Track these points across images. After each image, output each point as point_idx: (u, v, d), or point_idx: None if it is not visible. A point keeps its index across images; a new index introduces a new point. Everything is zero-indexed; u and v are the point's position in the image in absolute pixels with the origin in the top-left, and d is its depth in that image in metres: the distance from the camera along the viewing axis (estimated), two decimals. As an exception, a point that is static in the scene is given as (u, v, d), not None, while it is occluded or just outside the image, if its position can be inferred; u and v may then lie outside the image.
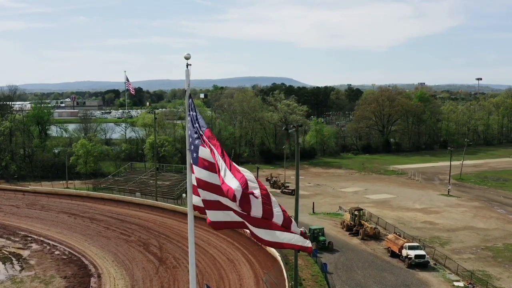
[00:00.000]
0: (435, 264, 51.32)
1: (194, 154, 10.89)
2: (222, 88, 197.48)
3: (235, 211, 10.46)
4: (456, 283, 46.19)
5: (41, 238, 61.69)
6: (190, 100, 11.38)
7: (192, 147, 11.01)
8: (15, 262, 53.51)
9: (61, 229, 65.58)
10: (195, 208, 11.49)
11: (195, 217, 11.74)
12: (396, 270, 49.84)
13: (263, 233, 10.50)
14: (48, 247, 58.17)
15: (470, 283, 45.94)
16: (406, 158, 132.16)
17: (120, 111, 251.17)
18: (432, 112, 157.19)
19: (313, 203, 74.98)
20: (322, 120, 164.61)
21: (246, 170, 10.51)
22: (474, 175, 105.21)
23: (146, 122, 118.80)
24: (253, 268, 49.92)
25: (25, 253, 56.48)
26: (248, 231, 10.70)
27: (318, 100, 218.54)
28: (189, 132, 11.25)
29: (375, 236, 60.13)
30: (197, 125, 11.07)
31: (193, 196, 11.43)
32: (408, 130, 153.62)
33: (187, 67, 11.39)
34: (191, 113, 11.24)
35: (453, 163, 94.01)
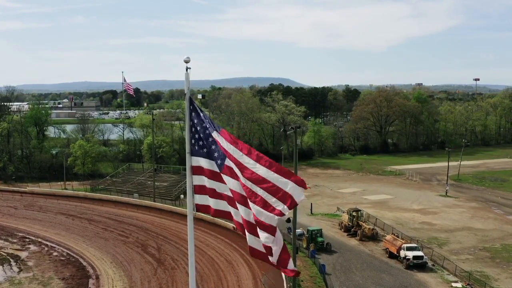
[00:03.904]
0: (433, 265, 51.44)
1: (219, 161, 10.78)
2: (220, 88, 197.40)
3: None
4: (454, 284, 46.30)
5: (39, 239, 61.66)
6: (193, 103, 11.35)
7: (216, 154, 10.85)
8: (13, 263, 53.48)
9: (59, 230, 65.55)
10: (199, 207, 11.51)
11: (193, 218, 11.77)
12: (394, 271, 49.93)
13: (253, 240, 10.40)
14: (46, 248, 58.15)
15: (468, 284, 46.06)
16: (404, 159, 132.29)
17: (118, 111, 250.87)
18: (430, 112, 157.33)
19: (311, 204, 75.03)
20: (320, 121, 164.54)
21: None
22: (472, 176, 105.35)
23: (144, 123, 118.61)
24: (251, 269, 49.94)
25: (23, 254, 56.46)
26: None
27: (316, 100, 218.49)
28: (194, 134, 11.24)
29: (373, 237, 60.26)
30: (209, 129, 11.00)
31: (196, 195, 11.49)
32: (406, 130, 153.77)
33: (186, 70, 11.36)
34: (201, 115, 11.18)
35: (451, 163, 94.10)
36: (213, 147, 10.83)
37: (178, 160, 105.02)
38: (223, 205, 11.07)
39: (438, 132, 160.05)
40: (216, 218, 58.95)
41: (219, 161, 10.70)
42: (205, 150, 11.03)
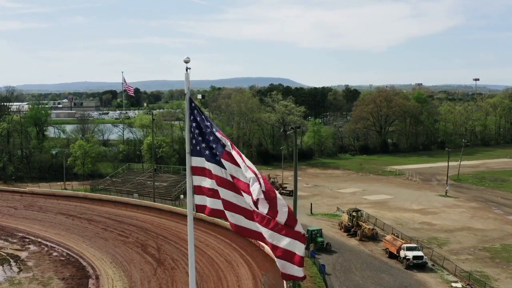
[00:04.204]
0: (433, 265, 51.45)
1: (220, 161, 10.65)
2: (219, 88, 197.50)
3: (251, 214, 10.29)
4: (454, 284, 46.31)
5: (39, 240, 61.64)
6: (193, 103, 11.35)
7: (218, 152, 10.74)
8: (13, 263, 53.46)
9: (59, 230, 65.53)
10: (199, 208, 11.50)
11: (193, 218, 11.77)
12: (394, 271, 49.94)
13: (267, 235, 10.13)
14: (46, 249, 58.13)
15: (468, 284, 46.07)
16: (403, 159, 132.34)
17: (118, 112, 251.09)
18: (430, 112, 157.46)
19: (311, 204, 75.06)
20: (320, 121, 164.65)
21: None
22: (471, 176, 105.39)
23: (144, 123, 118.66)
24: (251, 269, 49.96)
25: (23, 254, 56.44)
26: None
27: (316, 100, 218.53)
28: (194, 134, 11.22)
29: (373, 237, 60.27)
30: (209, 129, 10.91)
31: (196, 195, 11.48)
32: (405, 130, 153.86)
33: (186, 70, 11.35)
34: (203, 116, 11.16)
35: (450, 163, 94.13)
36: (215, 146, 10.81)
37: (178, 160, 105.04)
38: (243, 221, 10.59)
39: (438, 132, 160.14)
40: (216, 219, 58.99)
41: (220, 161, 10.68)
42: (206, 150, 11.01)
